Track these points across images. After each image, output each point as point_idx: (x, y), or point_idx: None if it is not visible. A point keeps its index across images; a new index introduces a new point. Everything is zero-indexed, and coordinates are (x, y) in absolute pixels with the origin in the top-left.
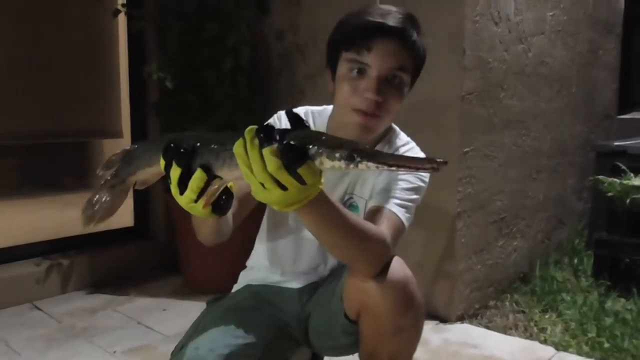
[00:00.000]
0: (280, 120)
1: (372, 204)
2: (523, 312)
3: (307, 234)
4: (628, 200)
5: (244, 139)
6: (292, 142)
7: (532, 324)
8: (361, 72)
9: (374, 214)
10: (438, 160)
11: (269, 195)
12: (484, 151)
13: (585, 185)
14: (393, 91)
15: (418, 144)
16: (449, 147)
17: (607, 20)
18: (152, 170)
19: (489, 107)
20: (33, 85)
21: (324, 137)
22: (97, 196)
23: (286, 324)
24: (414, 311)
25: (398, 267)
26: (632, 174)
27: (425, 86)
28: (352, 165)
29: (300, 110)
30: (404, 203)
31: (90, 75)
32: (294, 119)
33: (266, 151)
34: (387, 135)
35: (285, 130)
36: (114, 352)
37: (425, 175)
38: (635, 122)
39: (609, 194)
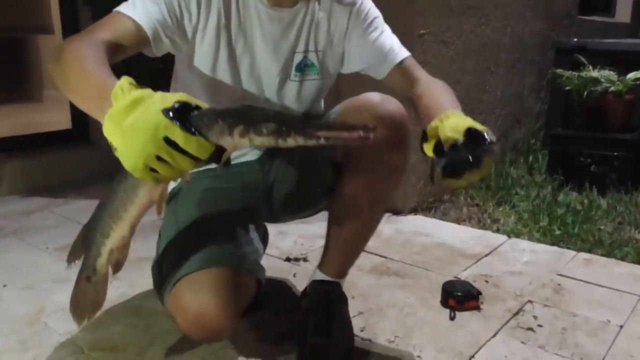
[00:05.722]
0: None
1: (382, 66)
2: (477, 205)
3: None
4: (585, 93)
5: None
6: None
7: (485, 215)
8: None
9: (402, 75)
10: (368, 126)
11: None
12: (440, 36)
13: (542, 86)
14: None
15: None
16: (404, 28)
17: None
18: (116, 240)
19: None
20: None
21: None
22: (78, 294)
23: (252, 206)
24: (405, 152)
25: (396, 107)
26: (590, 67)
27: None
28: (280, 140)
29: None
30: (399, 44)
31: None
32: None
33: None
34: None
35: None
36: (47, 248)
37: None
38: (595, 24)
39: (567, 87)
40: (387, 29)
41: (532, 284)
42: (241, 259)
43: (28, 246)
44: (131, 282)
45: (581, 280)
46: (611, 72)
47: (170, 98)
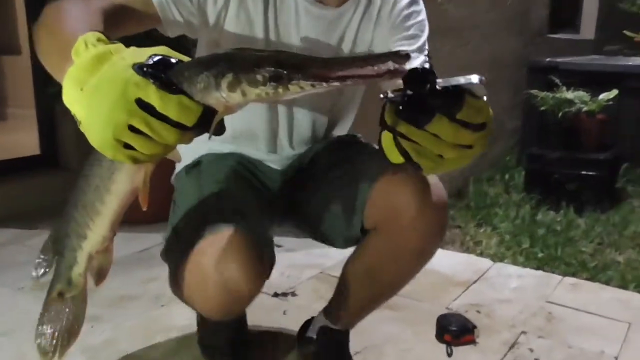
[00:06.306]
0: None
1: None
2: (459, 227)
3: (297, 108)
4: (560, 114)
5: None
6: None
7: (467, 238)
8: None
9: None
10: (401, 53)
11: None
12: None
13: (516, 103)
14: None
15: None
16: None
17: None
18: (95, 242)
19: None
20: None
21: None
22: (48, 319)
23: (268, 200)
24: (440, 239)
25: (440, 190)
26: (564, 88)
27: None
28: (281, 89)
29: None
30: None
31: None
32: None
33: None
34: None
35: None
36: (22, 287)
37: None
38: (561, 42)
39: (542, 108)
40: (423, 48)
41: (523, 312)
42: (264, 237)
43: (1, 287)
44: (115, 324)
45: (571, 307)
46: (584, 93)
47: (145, 51)
